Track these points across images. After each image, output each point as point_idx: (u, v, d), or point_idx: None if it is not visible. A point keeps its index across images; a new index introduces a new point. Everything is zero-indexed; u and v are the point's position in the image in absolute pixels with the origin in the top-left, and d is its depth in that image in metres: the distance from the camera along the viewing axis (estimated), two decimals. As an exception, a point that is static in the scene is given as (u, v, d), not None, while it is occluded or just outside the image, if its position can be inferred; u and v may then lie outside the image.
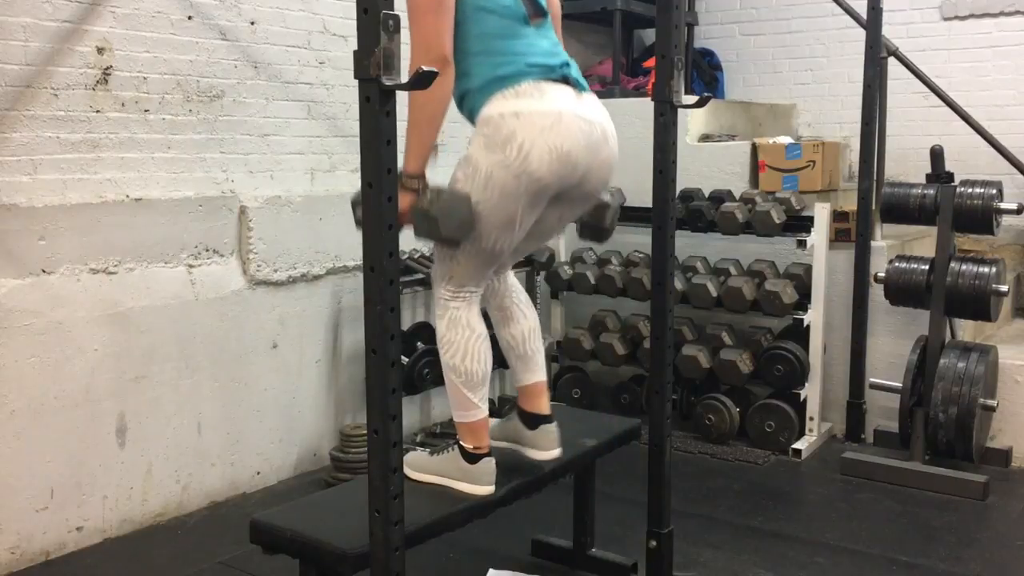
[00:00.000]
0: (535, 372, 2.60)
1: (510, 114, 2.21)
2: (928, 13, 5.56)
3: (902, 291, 4.09)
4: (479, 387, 2.43)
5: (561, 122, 2.22)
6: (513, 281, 2.66)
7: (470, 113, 2.35)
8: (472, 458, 2.45)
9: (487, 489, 2.46)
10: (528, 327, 2.60)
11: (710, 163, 4.87)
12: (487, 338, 2.46)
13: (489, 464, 2.47)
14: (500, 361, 4.46)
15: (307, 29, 4.07)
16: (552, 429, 2.57)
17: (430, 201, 2.19)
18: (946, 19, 5.53)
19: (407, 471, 2.58)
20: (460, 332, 2.41)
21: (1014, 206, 3.92)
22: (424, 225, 2.21)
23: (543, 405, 2.59)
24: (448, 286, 2.42)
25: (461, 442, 2.48)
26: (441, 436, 4.32)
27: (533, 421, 2.57)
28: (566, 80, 2.32)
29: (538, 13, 2.37)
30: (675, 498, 2.95)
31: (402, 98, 1.98)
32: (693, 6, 6.04)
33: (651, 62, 4.92)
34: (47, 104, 3.23)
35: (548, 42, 2.37)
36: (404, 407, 2.04)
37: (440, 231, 2.19)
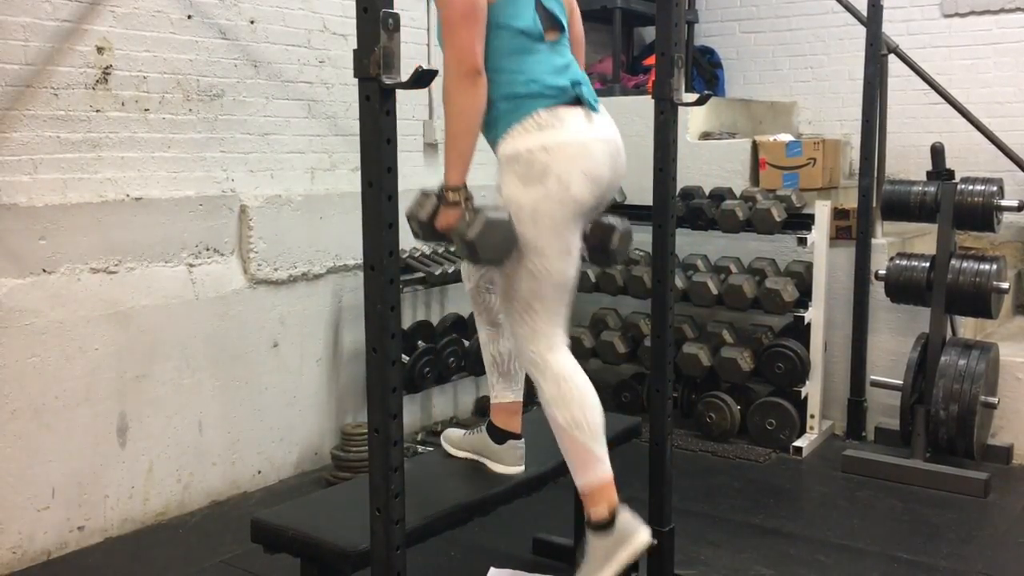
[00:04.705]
0: (515, 391, 2.61)
1: (538, 148, 2.23)
2: (928, 10, 5.55)
3: (903, 288, 4.09)
4: (600, 436, 2.36)
5: (587, 148, 2.27)
6: None
7: (491, 137, 2.35)
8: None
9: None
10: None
11: (710, 161, 4.87)
12: (592, 387, 2.39)
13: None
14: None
15: (307, 28, 4.07)
16: (520, 446, 2.60)
17: (468, 225, 2.17)
18: (946, 16, 5.52)
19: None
20: (571, 384, 2.34)
21: (1015, 203, 3.91)
22: (463, 249, 2.21)
23: (516, 424, 2.61)
24: (539, 342, 2.34)
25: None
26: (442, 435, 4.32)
27: (502, 436, 2.59)
28: (579, 101, 2.32)
29: (554, 27, 2.36)
30: (676, 496, 2.95)
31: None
32: (693, 4, 6.04)
33: (651, 60, 4.92)
34: (47, 104, 3.23)
35: (561, 59, 2.36)
36: (405, 406, 2.04)
37: (478, 254, 2.18)
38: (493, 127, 2.31)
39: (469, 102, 2.16)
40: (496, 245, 2.19)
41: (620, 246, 2.51)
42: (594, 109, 2.35)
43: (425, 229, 2.29)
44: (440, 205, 2.24)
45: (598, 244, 2.50)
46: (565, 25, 2.41)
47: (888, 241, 4.47)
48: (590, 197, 2.29)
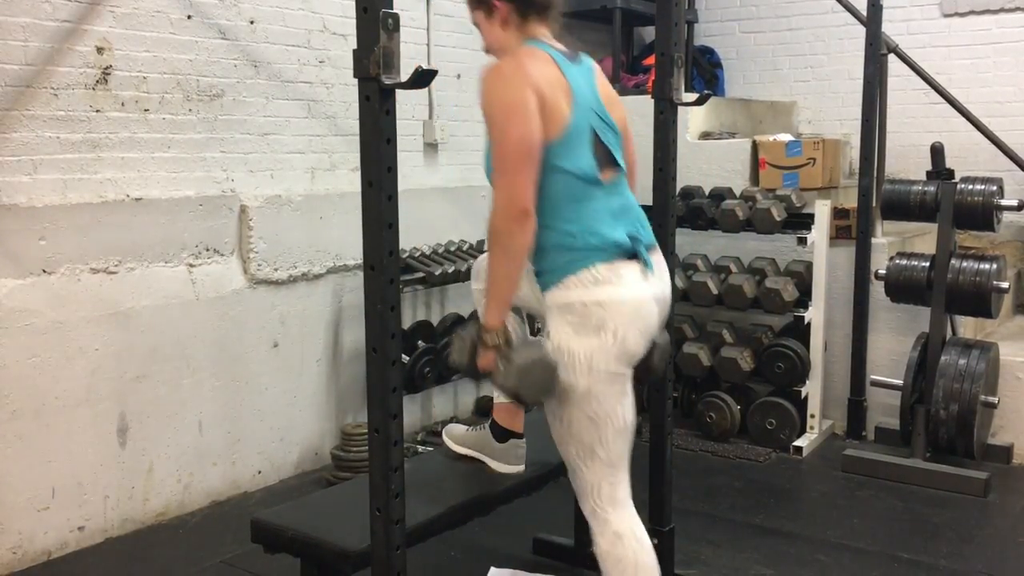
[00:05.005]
0: None
1: (593, 303, 2.15)
2: (928, 10, 5.55)
3: (903, 288, 4.09)
4: None
5: (643, 309, 2.20)
6: None
7: (542, 282, 2.26)
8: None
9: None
10: None
11: (710, 161, 4.87)
12: (651, 546, 2.33)
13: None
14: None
15: (307, 28, 4.07)
16: (521, 445, 2.59)
17: (504, 375, 2.13)
18: (946, 16, 5.52)
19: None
20: (628, 546, 2.27)
21: (1014, 203, 3.92)
22: (502, 388, 2.20)
23: (519, 423, 2.59)
24: (603, 493, 2.28)
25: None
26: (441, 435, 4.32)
27: (504, 435, 2.58)
28: (635, 255, 2.23)
29: (611, 165, 2.25)
30: (676, 496, 2.95)
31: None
32: (693, 4, 6.04)
33: (651, 60, 4.92)
34: (47, 104, 3.23)
35: (618, 201, 2.26)
36: (405, 406, 2.04)
37: (523, 399, 2.18)
38: (545, 274, 2.22)
39: (517, 245, 2.08)
40: (537, 385, 2.14)
41: (660, 362, 2.46)
42: (649, 267, 2.24)
43: (469, 370, 2.23)
44: (478, 345, 2.17)
45: (640, 362, 2.40)
46: (621, 162, 2.28)
47: (888, 241, 4.47)
48: (643, 348, 2.25)
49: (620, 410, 2.24)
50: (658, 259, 2.31)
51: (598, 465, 2.25)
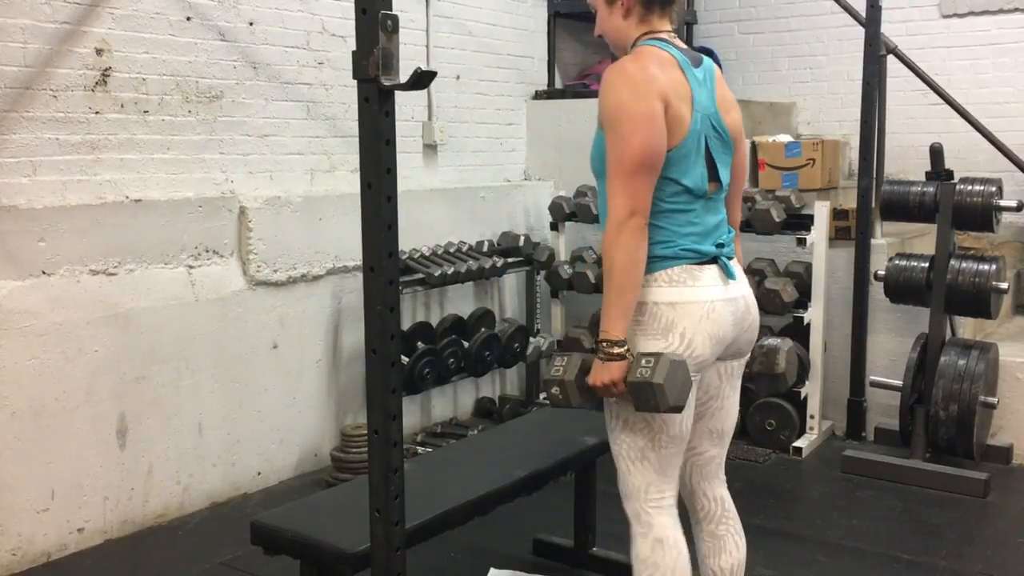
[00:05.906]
0: None
1: (665, 304, 2.12)
2: (927, 11, 5.55)
3: (902, 289, 4.09)
4: None
5: (714, 310, 2.15)
6: (730, 504, 2.53)
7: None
8: None
9: None
10: (739, 560, 2.47)
11: (710, 161, 4.86)
12: (688, 558, 2.28)
13: None
14: (504, 362, 4.47)
15: (306, 29, 4.07)
16: None
17: (651, 369, 2.00)
18: (945, 16, 5.52)
19: None
20: (668, 554, 2.23)
21: (1014, 203, 3.92)
22: (645, 395, 2.02)
23: None
24: (649, 497, 2.23)
25: None
26: (441, 436, 4.32)
27: None
28: (715, 260, 2.20)
29: (714, 180, 2.20)
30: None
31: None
32: (692, 4, 6.04)
33: (650, 61, 4.91)
34: (46, 105, 3.23)
35: (713, 219, 2.22)
36: (404, 407, 2.04)
37: (667, 398, 1.99)
38: None
39: (640, 255, 2.04)
40: (682, 386, 2.01)
41: (788, 367, 2.38)
42: (729, 273, 2.22)
43: (571, 390, 2.12)
44: (584, 362, 2.12)
45: (763, 371, 2.38)
46: (724, 177, 2.23)
47: (887, 241, 4.48)
48: (711, 356, 2.19)
49: (678, 417, 2.18)
50: (738, 268, 2.27)
51: (647, 469, 2.21)
